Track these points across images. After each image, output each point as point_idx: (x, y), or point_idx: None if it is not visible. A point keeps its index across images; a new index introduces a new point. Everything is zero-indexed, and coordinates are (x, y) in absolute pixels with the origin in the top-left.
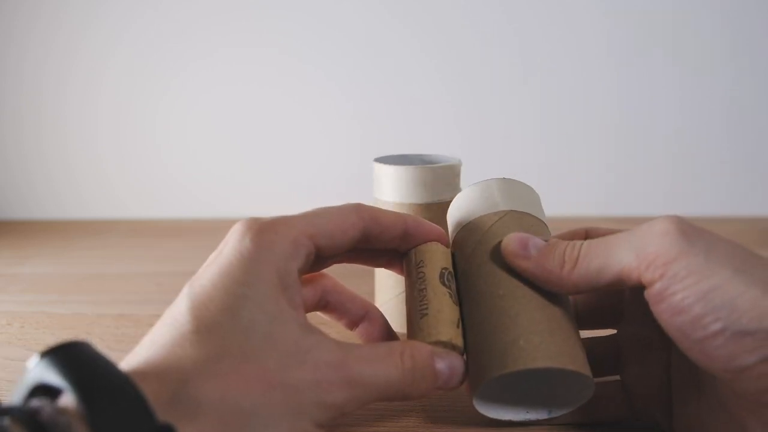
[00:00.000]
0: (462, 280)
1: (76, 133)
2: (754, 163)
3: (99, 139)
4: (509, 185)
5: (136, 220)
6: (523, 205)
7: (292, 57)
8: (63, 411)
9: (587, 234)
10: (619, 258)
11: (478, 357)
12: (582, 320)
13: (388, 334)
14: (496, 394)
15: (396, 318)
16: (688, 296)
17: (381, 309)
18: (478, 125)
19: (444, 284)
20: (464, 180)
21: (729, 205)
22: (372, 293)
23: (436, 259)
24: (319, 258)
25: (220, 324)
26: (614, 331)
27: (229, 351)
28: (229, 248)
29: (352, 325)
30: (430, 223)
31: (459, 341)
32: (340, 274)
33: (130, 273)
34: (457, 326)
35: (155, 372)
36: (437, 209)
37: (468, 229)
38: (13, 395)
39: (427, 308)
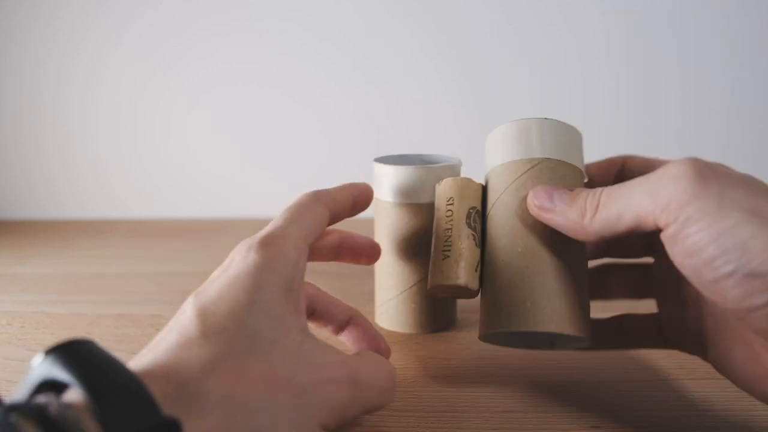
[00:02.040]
0: (488, 221)
1: (76, 133)
2: (754, 162)
3: (99, 139)
4: (549, 128)
5: (136, 220)
6: (560, 151)
7: (292, 57)
8: (70, 406)
9: (624, 164)
10: (636, 203)
11: (489, 306)
12: (622, 251)
13: (374, 337)
14: (502, 336)
15: (396, 318)
16: (701, 239)
17: (381, 309)
18: (478, 125)
19: (469, 226)
20: None
21: None
22: (372, 293)
23: (466, 196)
24: (311, 255)
25: (226, 328)
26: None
27: (234, 353)
28: (236, 263)
29: (338, 330)
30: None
31: (475, 284)
32: (341, 275)
33: (130, 273)
34: (476, 270)
35: (161, 372)
36: None
37: (499, 172)
38: (18, 392)
39: (450, 250)
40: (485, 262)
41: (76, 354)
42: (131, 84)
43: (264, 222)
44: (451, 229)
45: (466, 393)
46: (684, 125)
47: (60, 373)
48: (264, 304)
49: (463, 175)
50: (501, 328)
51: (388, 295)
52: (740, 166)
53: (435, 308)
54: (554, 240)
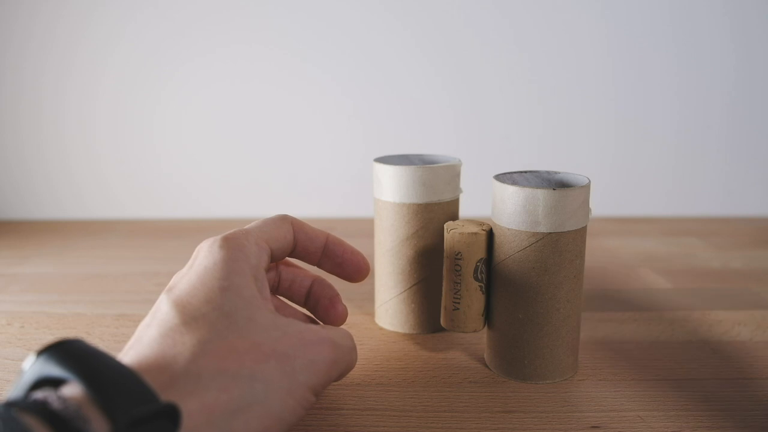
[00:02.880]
0: (494, 274)
1: (75, 134)
2: (754, 163)
3: (98, 140)
4: (555, 200)
5: (136, 220)
6: (563, 221)
7: (292, 57)
8: (69, 399)
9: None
10: None
11: (493, 352)
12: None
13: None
14: None
15: (396, 318)
16: None
17: (381, 309)
18: (478, 125)
19: (477, 279)
20: (464, 180)
21: (729, 205)
22: (372, 293)
23: (474, 252)
24: (272, 259)
25: (204, 314)
26: None
27: (217, 332)
28: (202, 258)
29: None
30: (351, 246)
31: (480, 326)
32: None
33: (130, 273)
34: (482, 315)
35: (150, 364)
36: (437, 209)
37: (507, 234)
38: (12, 392)
39: (459, 303)
40: (491, 308)
41: (70, 351)
42: (131, 84)
43: (299, 219)
44: (460, 282)
45: (466, 393)
46: (684, 125)
47: (55, 370)
48: (236, 288)
49: (462, 174)
50: (505, 376)
51: (388, 295)
52: (740, 167)
53: (435, 308)
54: (552, 307)
